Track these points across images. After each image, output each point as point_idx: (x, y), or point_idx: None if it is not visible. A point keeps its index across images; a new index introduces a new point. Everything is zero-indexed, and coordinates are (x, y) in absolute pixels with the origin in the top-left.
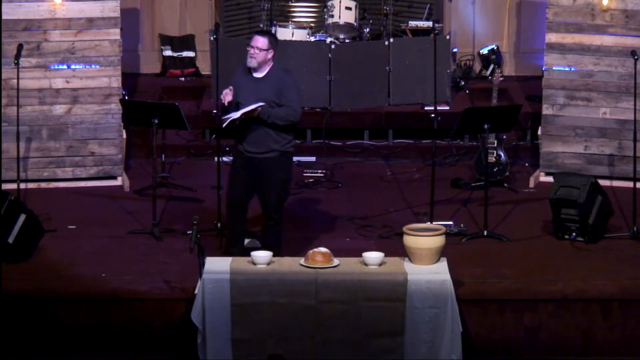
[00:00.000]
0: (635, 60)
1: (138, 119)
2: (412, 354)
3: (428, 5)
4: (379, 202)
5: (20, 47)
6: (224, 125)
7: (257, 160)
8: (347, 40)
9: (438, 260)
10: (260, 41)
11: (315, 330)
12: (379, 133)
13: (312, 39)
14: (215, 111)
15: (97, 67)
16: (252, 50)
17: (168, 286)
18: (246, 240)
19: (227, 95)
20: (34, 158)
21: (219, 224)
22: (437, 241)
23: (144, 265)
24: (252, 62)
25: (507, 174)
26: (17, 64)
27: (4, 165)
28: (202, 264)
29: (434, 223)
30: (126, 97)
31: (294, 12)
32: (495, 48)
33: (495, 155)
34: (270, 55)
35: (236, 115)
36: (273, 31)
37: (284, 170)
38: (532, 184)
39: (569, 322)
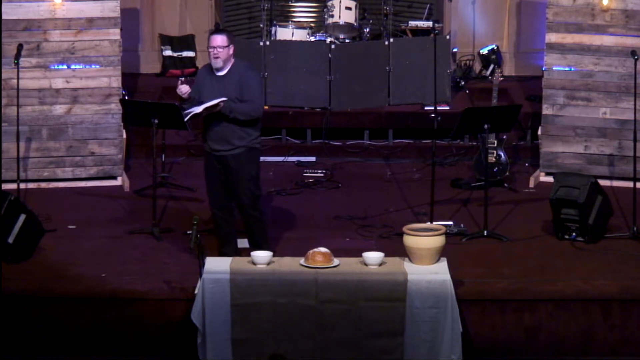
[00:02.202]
0: (635, 60)
1: (138, 119)
2: (412, 354)
3: (428, 5)
4: (379, 202)
5: (20, 47)
6: (186, 119)
7: (224, 157)
8: (347, 40)
9: (438, 260)
10: (220, 39)
11: (315, 330)
12: (379, 133)
13: (312, 39)
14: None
15: (97, 67)
16: (214, 51)
17: (168, 286)
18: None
19: (183, 87)
20: (34, 158)
21: None
22: (437, 241)
23: (144, 265)
24: (217, 62)
25: (507, 174)
26: (17, 64)
27: (4, 165)
28: (202, 264)
29: (434, 223)
30: (126, 97)
31: (294, 12)
32: (495, 48)
33: (495, 155)
34: (231, 51)
35: (198, 109)
36: (273, 31)
37: (252, 165)
38: (532, 184)
39: (569, 322)
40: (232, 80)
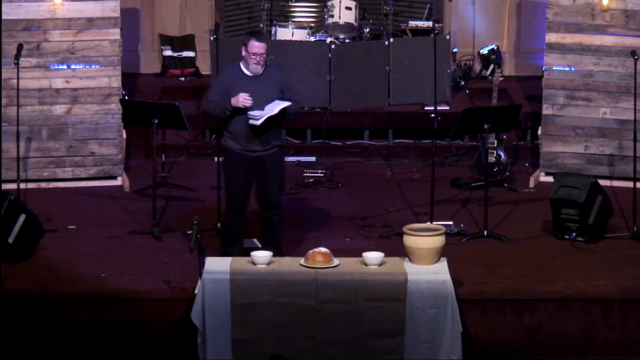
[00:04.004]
0: (635, 60)
1: (138, 119)
2: (412, 354)
3: (428, 5)
4: (379, 202)
5: (20, 47)
6: (260, 122)
7: (259, 158)
8: (347, 40)
9: (438, 260)
10: (263, 47)
11: (315, 330)
12: (379, 133)
13: (312, 39)
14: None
15: (97, 67)
16: (257, 58)
17: (168, 286)
18: (244, 240)
19: (247, 101)
20: (34, 158)
21: (219, 224)
22: (437, 241)
23: (144, 265)
24: (258, 68)
25: (507, 174)
26: (17, 64)
27: (4, 165)
28: (202, 264)
29: (434, 223)
30: (126, 97)
31: (294, 12)
32: (495, 48)
33: (495, 155)
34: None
35: (273, 112)
36: (273, 31)
37: (283, 163)
38: (532, 184)
39: (569, 322)
40: (269, 81)
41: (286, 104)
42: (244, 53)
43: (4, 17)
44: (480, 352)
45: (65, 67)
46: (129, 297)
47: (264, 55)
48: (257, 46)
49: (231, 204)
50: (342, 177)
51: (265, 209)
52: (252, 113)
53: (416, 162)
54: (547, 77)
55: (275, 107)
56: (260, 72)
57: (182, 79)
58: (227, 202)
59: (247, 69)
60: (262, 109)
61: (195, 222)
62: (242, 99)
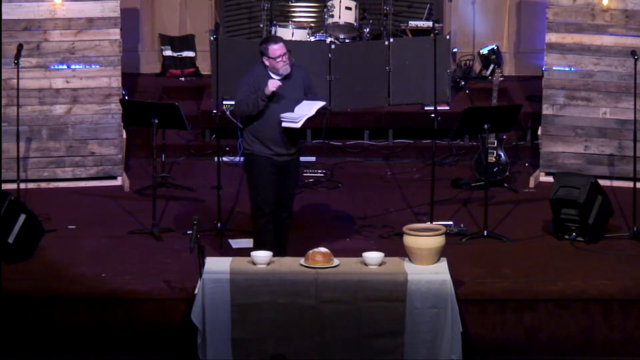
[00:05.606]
0: (635, 60)
1: (138, 119)
2: (412, 354)
3: (428, 5)
4: (379, 202)
5: (20, 47)
6: (300, 124)
7: (286, 161)
8: (347, 40)
9: (438, 260)
10: (282, 46)
11: (315, 330)
12: (379, 133)
13: (312, 39)
14: (215, 111)
15: (97, 67)
16: (283, 58)
17: (168, 286)
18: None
19: (276, 82)
20: (34, 158)
21: (219, 224)
22: (437, 241)
23: (144, 265)
24: (288, 69)
25: (507, 174)
26: (17, 64)
27: (4, 165)
28: (202, 264)
29: (434, 223)
30: (126, 97)
31: (294, 12)
32: (495, 48)
33: (495, 155)
34: None
35: (311, 113)
36: (273, 31)
37: (300, 165)
38: (532, 184)
39: (569, 322)
40: (295, 82)
41: (320, 103)
42: (267, 62)
43: (4, 17)
44: (480, 352)
45: (65, 67)
46: (129, 297)
47: (287, 53)
48: (277, 48)
49: (264, 208)
50: (342, 177)
51: (281, 209)
52: (284, 116)
53: (416, 162)
54: (547, 77)
55: (312, 107)
56: (289, 71)
57: (182, 79)
58: (257, 206)
59: (276, 74)
60: (292, 111)
61: (195, 222)
62: (271, 82)
